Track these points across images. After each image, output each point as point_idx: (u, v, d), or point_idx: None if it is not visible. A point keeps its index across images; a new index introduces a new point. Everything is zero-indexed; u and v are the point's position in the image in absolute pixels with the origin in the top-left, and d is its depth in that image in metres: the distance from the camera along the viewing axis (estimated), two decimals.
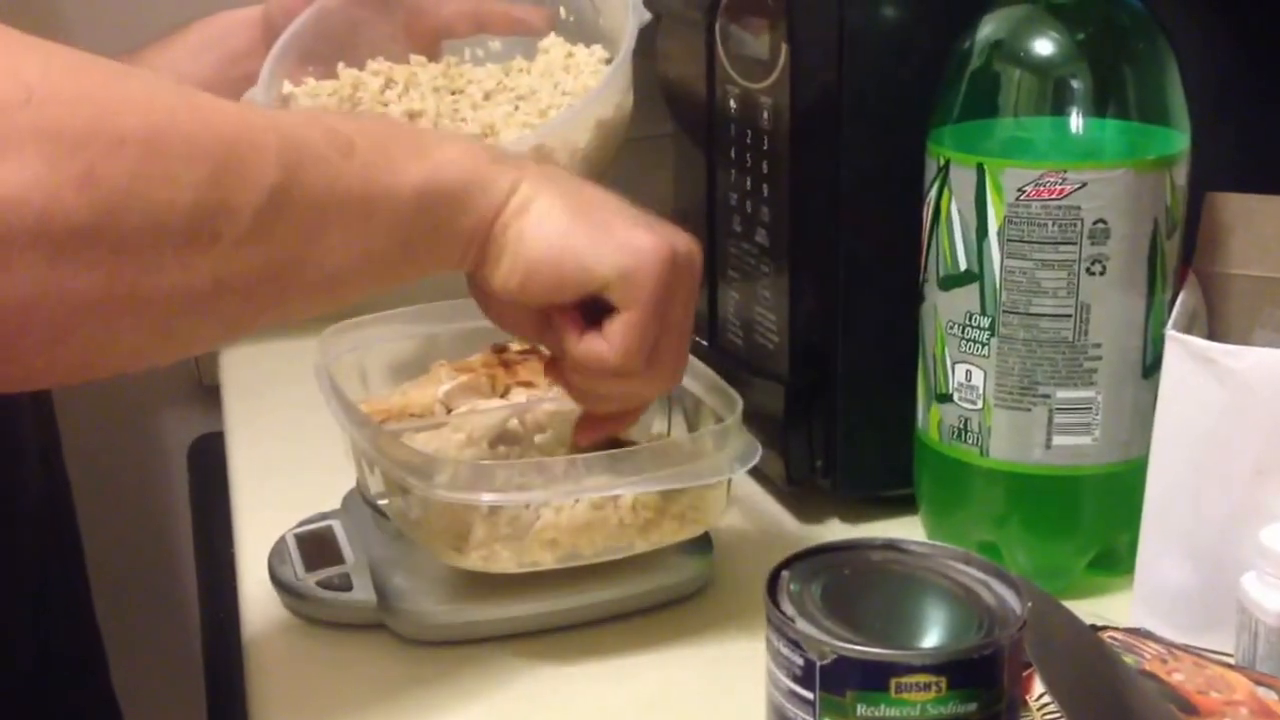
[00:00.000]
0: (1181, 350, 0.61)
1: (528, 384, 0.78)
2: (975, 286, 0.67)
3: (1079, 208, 0.64)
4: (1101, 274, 0.65)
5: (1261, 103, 0.86)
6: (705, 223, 0.84)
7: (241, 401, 0.99)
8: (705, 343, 0.86)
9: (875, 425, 0.77)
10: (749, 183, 0.79)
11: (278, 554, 0.72)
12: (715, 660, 0.66)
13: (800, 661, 0.45)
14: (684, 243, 0.61)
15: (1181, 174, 0.66)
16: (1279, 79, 0.86)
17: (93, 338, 0.50)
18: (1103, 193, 0.64)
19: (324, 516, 0.75)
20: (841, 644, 0.44)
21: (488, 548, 0.65)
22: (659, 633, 0.68)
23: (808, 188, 0.75)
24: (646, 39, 0.88)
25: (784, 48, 0.73)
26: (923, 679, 0.43)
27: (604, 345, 0.60)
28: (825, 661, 0.44)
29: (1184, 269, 0.70)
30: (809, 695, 0.45)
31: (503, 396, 0.77)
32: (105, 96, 0.49)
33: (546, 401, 0.73)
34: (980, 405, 0.68)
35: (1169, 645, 0.57)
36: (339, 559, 0.71)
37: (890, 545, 0.50)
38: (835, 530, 0.78)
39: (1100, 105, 0.66)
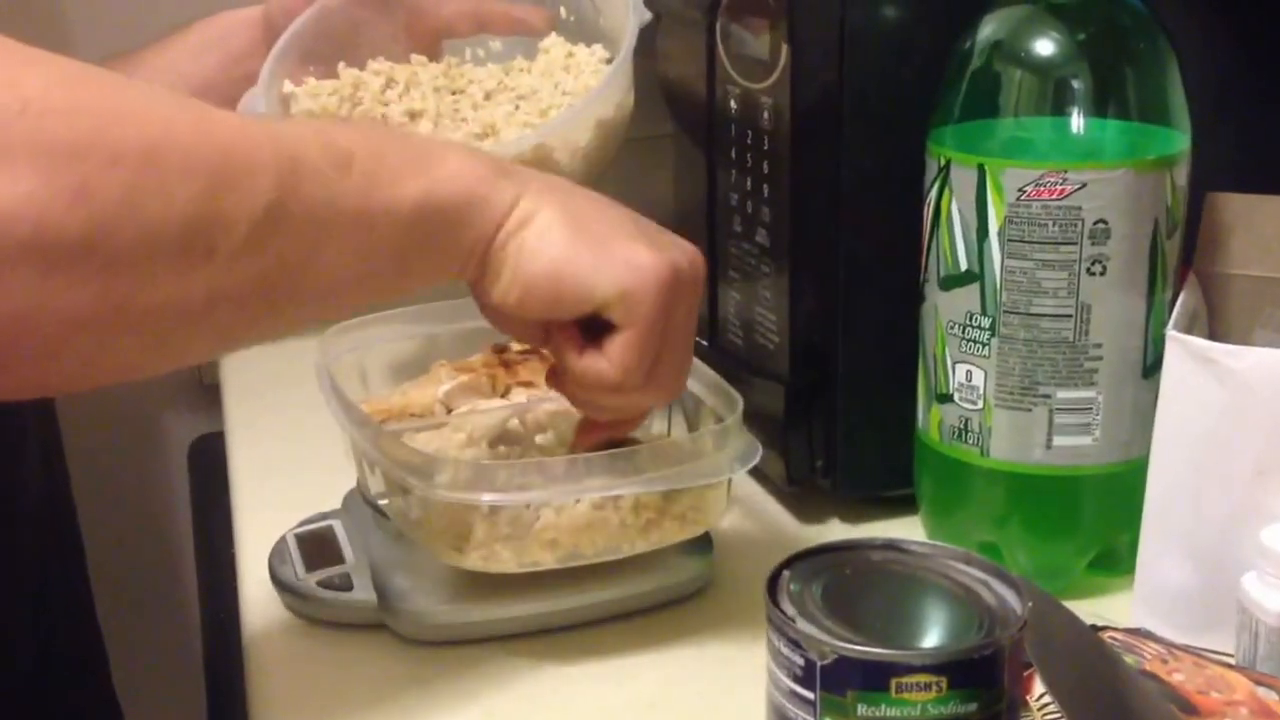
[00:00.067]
0: (1182, 350, 0.61)
1: (528, 384, 0.78)
2: (976, 287, 0.67)
3: (1079, 208, 0.64)
4: (1102, 274, 0.65)
5: (1262, 103, 0.86)
6: (705, 223, 0.84)
7: (242, 401, 0.99)
8: (705, 343, 0.86)
9: (875, 425, 0.77)
10: (749, 183, 0.79)
11: (278, 554, 0.72)
12: (715, 660, 0.66)
13: (801, 661, 0.45)
14: (686, 257, 0.61)
15: (1182, 174, 0.66)
16: (1279, 79, 0.86)
17: (86, 351, 0.49)
18: (1103, 193, 0.64)
19: (324, 516, 0.75)
20: (842, 644, 0.44)
21: (488, 548, 0.65)
22: (659, 633, 0.68)
23: (808, 188, 0.74)
24: (647, 39, 0.88)
25: (785, 48, 0.73)
26: (923, 679, 0.43)
27: (604, 363, 0.60)
28: (826, 661, 0.44)
29: (1184, 269, 0.70)
30: (810, 695, 0.45)
31: (503, 396, 0.77)
32: (103, 109, 0.48)
33: (547, 401, 0.73)
34: (981, 405, 0.68)
35: (1169, 645, 0.57)
36: (339, 559, 0.71)
37: (891, 545, 0.50)
38: (835, 530, 0.78)
39: (1101, 105, 0.66)
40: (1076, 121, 0.66)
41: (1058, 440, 0.67)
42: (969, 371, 0.68)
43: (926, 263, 0.70)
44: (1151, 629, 0.60)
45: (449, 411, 0.76)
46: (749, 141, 0.78)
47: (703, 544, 0.71)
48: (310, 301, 0.56)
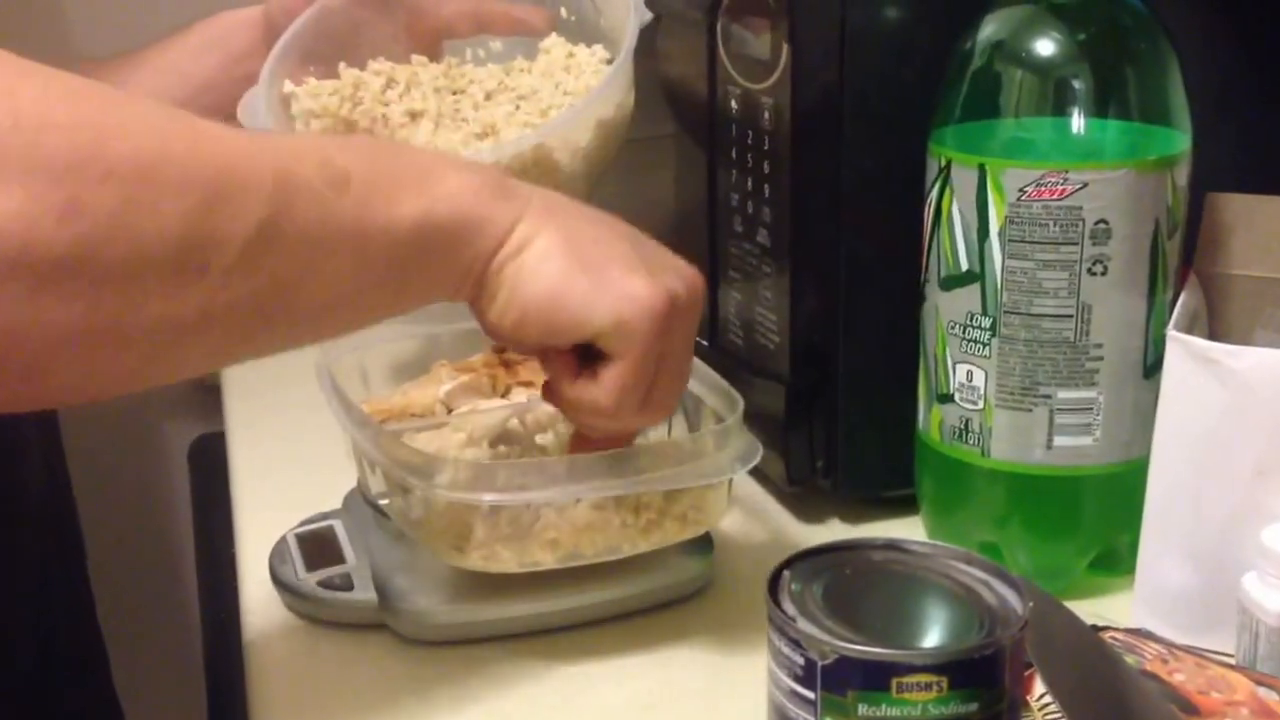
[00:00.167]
0: (1182, 350, 0.61)
1: (528, 384, 0.78)
2: (976, 287, 0.67)
3: (1080, 208, 0.64)
4: (1103, 274, 0.65)
5: (1262, 103, 0.86)
6: (706, 223, 0.84)
7: (242, 401, 0.99)
8: (705, 343, 0.86)
9: (876, 425, 0.77)
10: (750, 183, 0.79)
11: (279, 554, 0.72)
12: (716, 660, 0.66)
13: (802, 661, 0.45)
14: (684, 283, 0.60)
15: (1183, 174, 0.66)
16: None
17: (76, 367, 0.49)
18: (1104, 193, 0.64)
19: (325, 516, 0.75)
20: (843, 644, 0.44)
21: (488, 548, 0.65)
22: (659, 633, 0.68)
23: (809, 188, 0.75)
24: (647, 39, 0.88)
25: (785, 48, 0.73)
26: (924, 679, 0.43)
27: (597, 390, 0.60)
28: (827, 661, 0.44)
29: (1185, 269, 0.70)
30: (810, 695, 0.45)
31: (503, 396, 0.77)
32: (96, 124, 0.48)
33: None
34: (981, 405, 0.68)
35: (1170, 645, 0.57)
36: (340, 559, 0.71)
37: (891, 545, 0.50)
38: (836, 530, 0.78)
39: (1101, 106, 0.66)
40: (1077, 122, 0.66)
41: (1058, 440, 0.67)
42: (970, 372, 0.68)
43: (927, 263, 0.70)
44: (1152, 629, 0.60)
45: (449, 411, 0.76)
46: (750, 142, 0.78)
47: (703, 544, 0.71)
48: (305, 320, 0.55)
